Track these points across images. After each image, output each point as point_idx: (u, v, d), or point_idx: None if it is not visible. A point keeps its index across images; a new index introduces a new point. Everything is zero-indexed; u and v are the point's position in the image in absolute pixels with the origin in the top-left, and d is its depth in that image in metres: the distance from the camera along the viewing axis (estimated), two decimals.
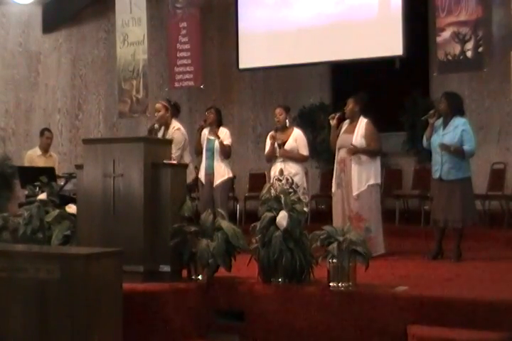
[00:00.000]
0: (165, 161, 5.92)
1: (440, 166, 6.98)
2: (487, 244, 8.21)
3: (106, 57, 12.41)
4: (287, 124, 7.78)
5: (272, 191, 5.67)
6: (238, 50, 11.39)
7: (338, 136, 7.43)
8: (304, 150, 7.70)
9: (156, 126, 7.70)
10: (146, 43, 11.21)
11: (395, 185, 10.66)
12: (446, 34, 9.38)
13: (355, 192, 7.15)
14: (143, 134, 8.37)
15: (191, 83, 11.30)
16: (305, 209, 5.85)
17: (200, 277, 5.74)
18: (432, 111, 7.18)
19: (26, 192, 7.06)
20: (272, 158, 7.75)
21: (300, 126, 10.55)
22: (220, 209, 6.18)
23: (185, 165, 6.60)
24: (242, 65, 11.42)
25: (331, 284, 5.29)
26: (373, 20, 10.19)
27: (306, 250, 5.50)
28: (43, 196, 6.59)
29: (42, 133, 9.83)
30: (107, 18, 12.30)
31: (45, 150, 9.67)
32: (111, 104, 12.27)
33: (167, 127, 7.76)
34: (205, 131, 8.21)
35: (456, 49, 9.28)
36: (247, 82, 12.25)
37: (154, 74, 12.03)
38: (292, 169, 7.49)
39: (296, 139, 7.68)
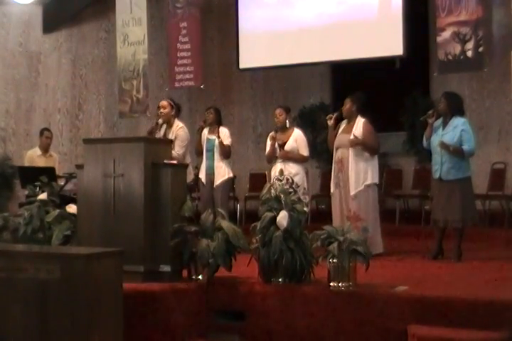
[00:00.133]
0: (165, 161, 5.92)
1: (440, 166, 6.99)
2: (487, 244, 8.22)
3: (106, 57, 12.41)
4: (287, 125, 7.79)
5: (272, 191, 5.67)
6: (238, 50, 11.39)
7: (335, 136, 7.44)
8: (304, 151, 7.70)
9: (160, 121, 7.71)
10: (147, 43, 11.21)
11: (395, 185, 10.67)
12: (447, 34, 9.37)
13: (352, 192, 7.16)
14: (143, 134, 8.37)
15: (191, 83, 11.30)
16: (305, 209, 5.85)
17: (200, 277, 5.74)
18: (430, 111, 7.18)
19: (26, 192, 7.05)
20: (272, 159, 7.76)
21: (300, 126, 10.57)
22: (220, 209, 6.18)
23: (186, 165, 6.61)
24: (242, 65, 11.43)
25: (331, 284, 5.29)
26: (373, 20, 10.19)
27: (307, 250, 5.50)
28: (43, 196, 6.58)
29: (41, 133, 9.83)
30: (107, 18, 12.30)
31: (45, 150, 9.68)
32: (111, 104, 12.26)
33: (169, 126, 7.77)
34: (205, 131, 8.21)
35: (457, 49, 9.28)
36: (248, 82, 12.25)
37: (154, 74, 12.03)
38: (292, 169, 7.49)
39: (297, 140, 7.69)
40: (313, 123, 11.19)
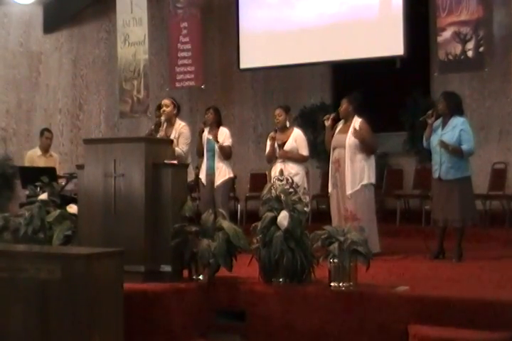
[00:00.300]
0: (166, 161, 5.93)
1: (439, 166, 6.99)
2: (488, 244, 8.22)
3: (107, 57, 12.42)
4: (287, 125, 7.78)
5: (273, 191, 5.67)
6: (239, 50, 11.39)
7: (332, 136, 7.44)
8: (304, 151, 7.70)
9: (163, 119, 7.71)
10: (147, 43, 11.22)
11: (396, 185, 10.67)
12: (447, 34, 9.38)
13: (348, 192, 7.16)
14: (144, 134, 8.38)
15: (192, 83, 11.31)
16: (305, 209, 5.84)
17: (201, 277, 5.74)
18: (430, 112, 7.19)
19: (27, 192, 7.06)
20: (272, 159, 7.76)
21: (301, 126, 10.55)
22: (221, 209, 6.18)
23: (186, 165, 6.61)
24: (242, 65, 11.42)
25: (331, 284, 5.29)
26: (374, 20, 10.19)
27: (307, 250, 5.50)
28: (44, 196, 6.59)
29: (42, 133, 9.83)
30: (107, 18, 12.31)
31: (46, 150, 9.67)
32: (112, 104, 12.27)
33: (170, 124, 7.77)
34: (206, 132, 8.21)
35: (457, 49, 9.28)
36: (248, 82, 12.24)
37: (155, 74, 12.04)
38: (292, 169, 7.49)
39: (296, 139, 7.68)
40: (313, 123, 11.18)
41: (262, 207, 5.68)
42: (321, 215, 8.45)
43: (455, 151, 6.90)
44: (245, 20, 11.31)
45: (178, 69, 11.35)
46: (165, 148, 6.23)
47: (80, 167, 6.13)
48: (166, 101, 7.84)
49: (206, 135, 8.17)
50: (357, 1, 10.37)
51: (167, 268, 5.72)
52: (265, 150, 7.93)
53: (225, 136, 8.09)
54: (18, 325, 4.81)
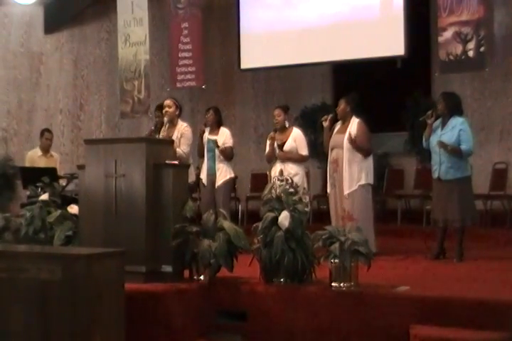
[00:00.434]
0: (167, 161, 5.92)
1: (438, 166, 7.00)
2: (489, 244, 8.22)
3: (108, 57, 12.43)
4: (286, 125, 7.78)
5: (274, 191, 5.67)
6: (240, 50, 11.40)
7: (330, 137, 7.44)
8: (303, 150, 7.70)
9: (166, 119, 7.73)
10: (148, 43, 11.22)
11: (397, 185, 10.67)
12: (448, 34, 9.38)
13: (346, 192, 7.15)
14: (145, 134, 8.39)
15: (193, 83, 11.31)
16: (306, 209, 5.84)
17: (202, 277, 5.74)
18: (429, 112, 7.19)
19: (28, 193, 7.06)
20: (272, 159, 7.77)
21: (302, 126, 10.53)
22: (221, 210, 6.18)
23: (187, 166, 6.61)
24: (243, 65, 11.43)
25: (332, 284, 5.29)
26: (375, 21, 10.19)
27: (308, 250, 5.50)
28: (44, 196, 6.59)
29: (42, 134, 9.83)
30: (108, 18, 12.31)
31: (46, 150, 9.67)
32: (113, 105, 12.27)
33: (172, 125, 7.78)
34: (206, 132, 8.20)
35: (458, 49, 9.28)
36: (249, 82, 12.25)
37: (156, 74, 12.04)
38: (292, 170, 7.49)
39: (296, 139, 7.68)
40: (314, 123, 11.12)
41: (262, 207, 5.68)
42: (322, 215, 8.45)
43: (454, 151, 6.90)
44: (246, 21, 11.32)
45: (178, 70, 11.36)
46: (166, 148, 6.23)
47: (81, 167, 6.14)
48: (168, 102, 7.84)
49: (207, 135, 8.17)
50: (358, 1, 10.37)
51: (168, 268, 5.72)
52: (266, 151, 7.93)
53: (225, 136, 8.09)
54: (18, 325, 4.81)
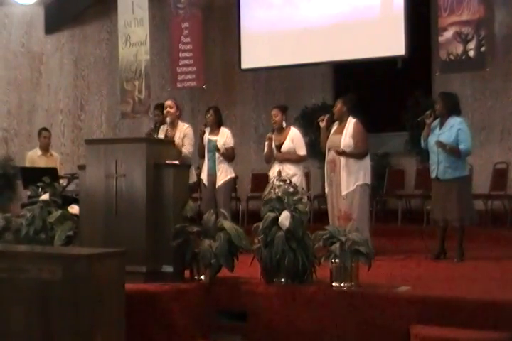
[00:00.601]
0: (167, 161, 5.92)
1: (436, 166, 7.00)
2: (490, 244, 8.21)
3: (108, 57, 12.43)
4: (284, 125, 7.77)
5: (273, 191, 5.67)
6: (240, 50, 11.40)
7: (328, 137, 7.43)
8: (301, 150, 7.69)
9: (168, 120, 7.75)
10: (149, 44, 11.22)
11: (397, 185, 10.67)
12: (449, 34, 9.37)
13: (343, 192, 7.13)
14: (144, 133, 8.42)
15: (193, 83, 11.31)
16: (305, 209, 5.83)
17: (202, 277, 5.74)
18: (428, 112, 7.20)
19: (29, 193, 7.06)
20: (270, 160, 7.77)
21: (302, 126, 10.57)
22: (222, 210, 6.20)
23: (188, 166, 6.61)
24: (244, 65, 11.43)
25: (333, 284, 5.29)
26: (375, 21, 10.19)
27: (309, 250, 5.50)
28: (45, 197, 6.59)
29: (39, 133, 9.82)
30: (109, 18, 12.31)
31: (46, 149, 9.67)
32: (113, 105, 12.28)
33: (173, 126, 7.81)
34: (207, 132, 8.20)
35: (459, 49, 9.28)
36: (250, 82, 12.25)
37: (156, 74, 12.04)
38: (290, 170, 7.49)
39: (293, 140, 7.67)
40: (315, 123, 11.18)
41: (263, 207, 5.68)
42: (322, 215, 8.44)
43: (452, 151, 6.91)
44: (246, 21, 11.32)
45: (179, 70, 11.36)
46: (166, 148, 6.23)
47: (82, 167, 6.14)
48: (169, 103, 7.88)
49: (207, 136, 8.16)
50: (358, 1, 10.37)
51: (168, 268, 5.72)
52: (264, 151, 7.94)
53: (226, 137, 8.09)
54: (19, 326, 4.81)
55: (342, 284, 5.26)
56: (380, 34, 10.10)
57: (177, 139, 7.59)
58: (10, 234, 6.51)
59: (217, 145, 7.99)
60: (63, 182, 8.15)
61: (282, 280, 5.50)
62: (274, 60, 11.07)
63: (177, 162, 6.18)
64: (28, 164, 9.56)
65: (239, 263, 5.71)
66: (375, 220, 9.98)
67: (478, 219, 7.27)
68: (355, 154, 7.16)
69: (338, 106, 7.44)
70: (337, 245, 5.24)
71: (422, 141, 7.29)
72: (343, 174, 7.15)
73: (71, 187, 7.89)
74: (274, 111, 7.80)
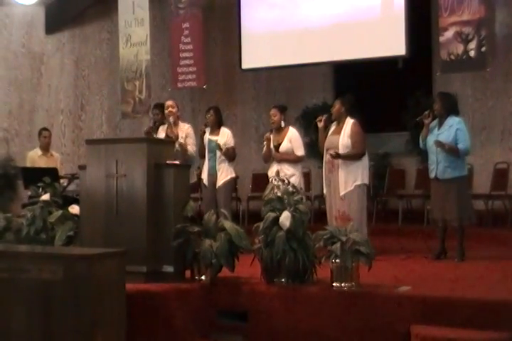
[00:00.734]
0: (168, 161, 5.92)
1: (436, 165, 7.01)
2: (490, 244, 8.21)
3: (109, 57, 12.43)
4: (282, 125, 7.77)
5: (275, 191, 5.67)
6: (241, 50, 11.40)
7: (326, 137, 7.43)
8: (299, 151, 7.68)
9: (171, 119, 7.80)
10: (149, 44, 11.22)
11: (398, 185, 10.68)
12: (449, 34, 9.37)
13: (342, 192, 7.11)
14: (143, 131, 8.45)
15: (194, 83, 11.31)
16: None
17: (203, 277, 5.74)
18: (426, 112, 7.20)
19: (29, 193, 7.06)
20: (268, 159, 7.77)
21: (303, 126, 10.57)
22: (223, 210, 6.19)
23: (189, 166, 6.61)
24: (244, 65, 11.44)
25: (334, 284, 5.29)
26: (376, 21, 10.19)
27: (309, 250, 5.50)
28: (46, 197, 6.59)
29: (40, 133, 9.82)
30: (109, 18, 12.31)
31: (46, 149, 9.66)
32: (114, 105, 12.28)
33: (174, 125, 7.86)
34: (207, 133, 8.20)
35: (459, 49, 9.28)
36: (250, 82, 12.25)
37: (157, 74, 12.04)
38: (288, 171, 7.48)
39: (291, 140, 7.67)
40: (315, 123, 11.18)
41: (264, 207, 5.68)
42: (323, 215, 8.44)
43: (451, 150, 6.91)
44: (247, 21, 11.33)
45: (179, 70, 11.36)
46: (167, 148, 6.23)
47: (82, 167, 6.14)
48: (171, 103, 8.00)
49: (208, 136, 8.17)
50: (359, 1, 10.37)
51: (169, 268, 5.72)
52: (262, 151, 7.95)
53: (227, 137, 8.09)
54: (20, 326, 4.82)
55: (343, 284, 5.26)
56: (380, 34, 10.10)
57: (180, 139, 7.66)
58: (11, 234, 6.51)
59: (219, 144, 7.98)
60: (64, 182, 8.15)
61: (283, 280, 5.50)
62: (274, 60, 11.07)
63: (178, 162, 6.18)
64: (28, 164, 9.56)
65: (239, 263, 5.71)
66: (375, 220, 9.99)
67: (476, 218, 7.27)
68: (351, 155, 7.14)
69: (336, 106, 7.44)
70: (338, 245, 5.24)
71: (420, 141, 7.30)
72: (341, 174, 7.14)
73: (72, 187, 7.89)
74: (273, 111, 7.80)
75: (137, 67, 11.32)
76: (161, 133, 7.99)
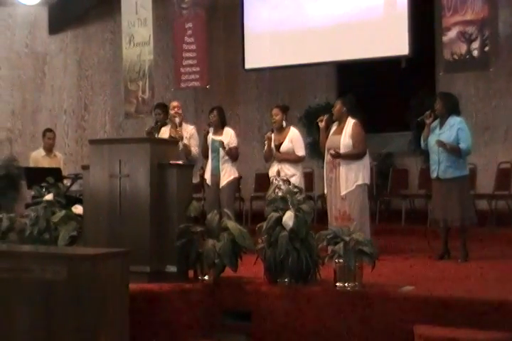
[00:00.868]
0: (171, 162, 5.93)
1: (437, 165, 7.00)
2: (494, 244, 8.19)
3: (112, 58, 12.44)
4: (284, 125, 7.76)
5: (277, 191, 5.67)
6: (244, 50, 11.39)
7: (327, 137, 7.43)
8: (300, 151, 7.68)
9: (177, 120, 7.86)
10: (152, 44, 11.22)
11: (401, 185, 10.66)
12: (452, 33, 9.35)
13: (343, 192, 7.10)
14: (144, 131, 8.45)
15: (197, 83, 11.31)
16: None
17: (206, 277, 5.75)
18: (428, 112, 7.20)
19: (33, 193, 7.06)
20: (269, 159, 7.78)
21: (306, 126, 10.58)
22: (226, 210, 6.19)
23: (192, 166, 6.62)
24: (248, 65, 11.43)
25: (337, 284, 5.29)
26: (379, 20, 10.18)
27: (313, 250, 5.50)
28: (49, 197, 6.60)
29: (44, 134, 9.82)
30: (112, 18, 12.32)
31: (49, 150, 9.66)
32: (117, 105, 12.28)
33: (177, 126, 7.88)
34: (210, 132, 8.21)
35: (463, 48, 9.26)
36: (253, 82, 12.25)
37: (160, 74, 12.04)
38: (288, 171, 7.48)
39: (292, 140, 7.66)
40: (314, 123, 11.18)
41: (267, 207, 5.68)
42: (326, 215, 8.45)
43: (453, 150, 6.91)
44: (250, 21, 11.32)
45: (183, 70, 11.36)
46: (170, 148, 6.23)
47: (85, 167, 6.14)
48: (177, 104, 8.15)
49: (211, 136, 8.17)
50: (362, 1, 10.36)
51: (172, 268, 5.72)
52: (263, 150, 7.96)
53: (230, 136, 8.09)
54: (23, 326, 4.82)
55: (346, 284, 5.26)
56: (383, 34, 10.09)
57: (185, 140, 7.73)
58: (14, 234, 6.52)
59: (222, 142, 7.98)
60: (67, 182, 8.15)
61: (286, 280, 5.50)
62: (277, 59, 11.06)
63: (181, 162, 6.19)
64: (31, 164, 9.56)
65: (243, 263, 5.72)
66: (378, 220, 9.97)
67: (480, 218, 7.26)
68: (351, 155, 7.14)
69: (337, 106, 7.43)
70: (341, 245, 5.24)
71: (421, 141, 7.30)
72: (343, 174, 7.14)
73: (75, 187, 7.89)
74: (275, 111, 7.81)
75: (140, 67, 11.33)
76: (164, 134, 8.00)
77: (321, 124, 7.48)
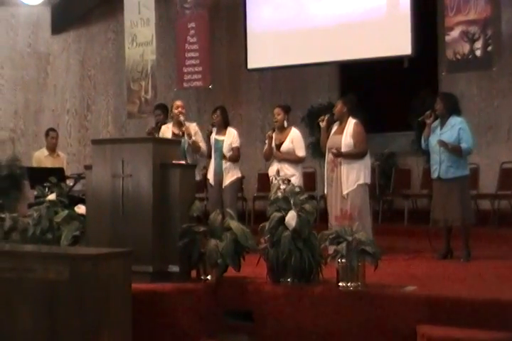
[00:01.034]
0: (174, 161, 5.93)
1: (438, 165, 7.00)
2: (496, 244, 8.19)
3: (114, 57, 12.45)
4: (285, 125, 7.77)
5: (279, 191, 5.67)
6: (246, 50, 11.39)
7: (328, 137, 7.43)
8: (300, 151, 7.67)
9: (182, 118, 7.87)
10: (155, 44, 11.23)
11: (404, 185, 10.66)
12: (455, 33, 9.35)
13: (344, 191, 7.11)
14: (145, 131, 8.48)
15: (200, 83, 11.31)
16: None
17: (209, 277, 5.74)
18: (428, 112, 7.21)
19: (35, 193, 7.07)
20: (269, 157, 7.79)
21: (308, 126, 10.56)
22: (228, 210, 6.19)
23: (194, 166, 6.62)
24: (250, 65, 11.43)
25: (339, 284, 5.28)
26: (382, 20, 10.17)
27: (315, 250, 5.49)
28: (52, 196, 6.60)
29: (47, 133, 9.83)
30: (115, 18, 12.33)
31: (52, 150, 9.67)
32: (119, 105, 12.30)
33: (179, 125, 7.89)
34: (213, 132, 8.22)
35: (465, 48, 9.25)
36: (256, 82, 12.25)
37: (163, 74, 12.05)
38: (288, 171, 7.48)
39: (293, 140, 7.66)
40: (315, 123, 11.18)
41: (269, 207, 5.68)
42: (328, 215, 8.46)
43: (454, 150, 6.91)
44: (253, 21, 11.32)
45: (185, 70, 11.36)
46: (173, 148, 6.24)
47: (88, 167, 6.15)
48: (181, 103, 8.13)
49: (214, 136, 8.18)
50: (365, 1, 10.35)
51: (175, 268, 5.72)
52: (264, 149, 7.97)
53: (233, 137, 8.10)
54: (26, 325, 4.82)
55: (348, 284, 5.25)
56: (386, 34, 10.09)
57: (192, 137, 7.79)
58: (17, 233, 6.53)
59: (224, 154, 8.02)
60: (70, 182, 8.17)
61: (289, 280, 5.50)
62: (280, 59, 11.06)
63: (183, 162, 6.19)
64: (34, 164, 9.58)
65: (245, 263, 5.71)
66: (381, 220, 9.98)
67: (483, 218, 7.27)
68: (353, 154, 7.15)
69: (338, 106, 7.44)
70: (343, 245, 5.24)
71: (422, 141, 7.31)
72: (344, 173, 7.14)
73: (77, 187, 7.90)
74: (277, 110, 7.81)
75: (143, 67, 11.33)
76: (165, 132, 8.00)
77: (322, 124, 7.48)
